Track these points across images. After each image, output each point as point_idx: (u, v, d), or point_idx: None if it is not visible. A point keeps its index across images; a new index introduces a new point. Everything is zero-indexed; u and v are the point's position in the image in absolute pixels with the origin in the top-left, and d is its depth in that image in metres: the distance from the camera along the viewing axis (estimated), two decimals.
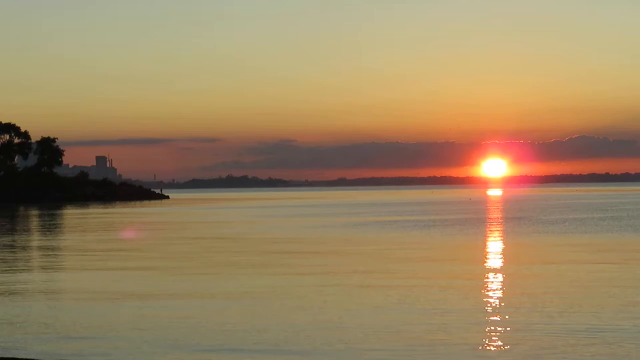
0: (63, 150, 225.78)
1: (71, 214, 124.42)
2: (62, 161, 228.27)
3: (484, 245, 52.40)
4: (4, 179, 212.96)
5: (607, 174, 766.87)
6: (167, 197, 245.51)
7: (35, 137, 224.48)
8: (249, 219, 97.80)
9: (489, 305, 26.54)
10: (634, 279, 33.20)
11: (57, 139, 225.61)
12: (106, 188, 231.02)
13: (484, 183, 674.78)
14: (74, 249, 54.65)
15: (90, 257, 47.16)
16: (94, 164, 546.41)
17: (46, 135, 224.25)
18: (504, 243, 54.54)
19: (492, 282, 33.14)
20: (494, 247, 51.50)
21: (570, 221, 79.81)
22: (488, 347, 20.07)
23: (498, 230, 67.54)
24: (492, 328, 22.44)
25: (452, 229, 70.33)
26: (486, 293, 29.46)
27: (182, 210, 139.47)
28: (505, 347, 20.02)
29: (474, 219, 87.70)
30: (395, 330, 22.30)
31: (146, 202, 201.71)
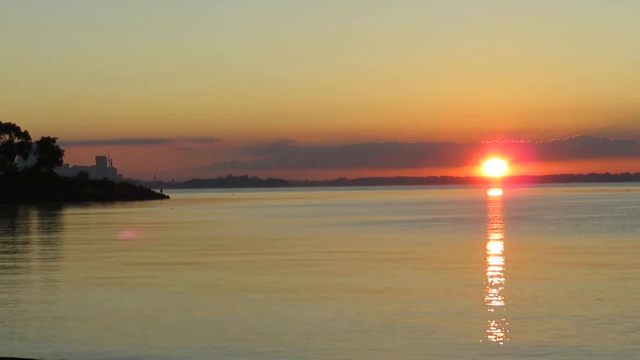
0: (63, 150, 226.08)
1: (71, 214, 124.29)
2: (62, 161, 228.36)
3: (486, 246, 52.30)
4: (4, 179, 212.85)
5: (607, 174, 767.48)
6: (167, 197, 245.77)
7: (35, 137, 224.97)
8: (251, 219, 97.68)
9: (489, 305, 26.45)
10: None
11: (57, 139, 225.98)
12: (106, 188, 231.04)
13: (484, 183, 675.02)
14: (74, 249, 54.53)
15: (90, 258, 47.02)
16: (94, 164, 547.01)
17: (46, 135, 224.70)
18: (505, 243, 54.43)
19: (493, 282, 33.04)
20: (496, 248, 51.38)
21: (571, 221, 79.71)
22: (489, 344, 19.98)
23: (500, 230, 67.41)
24: (493, 327, 22.36)
25: (453, 228, 70.23)
26: (487, 293, 29.36)
27: (185, 210, 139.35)
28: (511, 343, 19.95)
29: (475, 219, 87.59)
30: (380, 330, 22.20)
31: (146, 202, 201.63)
